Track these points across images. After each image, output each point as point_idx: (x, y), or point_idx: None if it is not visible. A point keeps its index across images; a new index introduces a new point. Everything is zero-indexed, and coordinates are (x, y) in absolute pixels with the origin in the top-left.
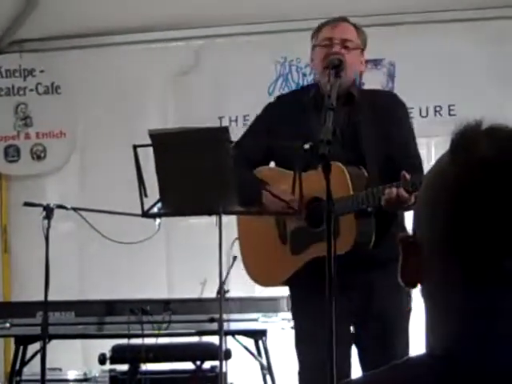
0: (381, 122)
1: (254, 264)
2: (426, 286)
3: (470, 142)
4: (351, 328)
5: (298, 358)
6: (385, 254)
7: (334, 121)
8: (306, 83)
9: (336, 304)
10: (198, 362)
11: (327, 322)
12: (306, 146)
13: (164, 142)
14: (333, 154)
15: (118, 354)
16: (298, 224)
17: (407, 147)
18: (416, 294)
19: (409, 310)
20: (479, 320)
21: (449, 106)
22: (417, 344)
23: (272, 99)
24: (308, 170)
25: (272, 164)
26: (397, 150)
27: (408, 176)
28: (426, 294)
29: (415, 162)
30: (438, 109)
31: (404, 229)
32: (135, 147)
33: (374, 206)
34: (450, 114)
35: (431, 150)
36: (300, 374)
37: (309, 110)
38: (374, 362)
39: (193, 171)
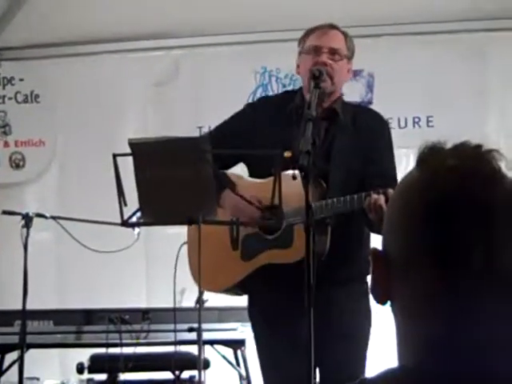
0: (359, 139)
1: (204, 270)
2: (398, 300)
3: (437, 154)
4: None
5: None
6: (346, 273)
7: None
8: None
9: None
10: (177, 372)
11: (307, 333)
12: (286, 154)
13: (144, 151)
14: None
15: (96, 364)
16: (251, 230)
17: (382, 165)
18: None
19: (367, 333)
20: (452, 330)
21: (427, 118)
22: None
23: None
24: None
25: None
26: (372, 167)
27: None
28: (397, 308)
29: (390, 173)
30: (416, 120)
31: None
32: (115, 156)
33: (349, 211)
34: (428, 126)
35: (409, 161)
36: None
37: (292, 116)
38: (333, 380)
39: (172, 180)
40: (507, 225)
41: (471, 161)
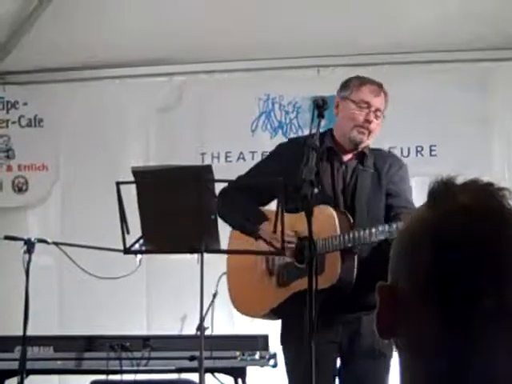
0: (381, 178)
1: (241, 295)
2: (402, 337)
3: (449, 192)
4: (337, 361)
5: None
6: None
7: (344, 172)
8: (288, 120)
9: (322, 336)
10: None
11: (307, 356)
12: (316, 191)
13: (147, 180)
14: (329, 195)
15: None
16: (285, 260)
17: (407, 201)
18: None
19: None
20: (456, 368)
21: (430, 147)
22: None
23: (252, 136)
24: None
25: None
26: (397, 201)
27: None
28: (402, 345)
29: (413, 207)
30: (419, 149)
31: None
32: (118, 184)
33: (364, 244)
34: (431, 155)
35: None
36: None
37: (322, 159)
38: None
39: (175, 209)
40: None
41: (483, 200)
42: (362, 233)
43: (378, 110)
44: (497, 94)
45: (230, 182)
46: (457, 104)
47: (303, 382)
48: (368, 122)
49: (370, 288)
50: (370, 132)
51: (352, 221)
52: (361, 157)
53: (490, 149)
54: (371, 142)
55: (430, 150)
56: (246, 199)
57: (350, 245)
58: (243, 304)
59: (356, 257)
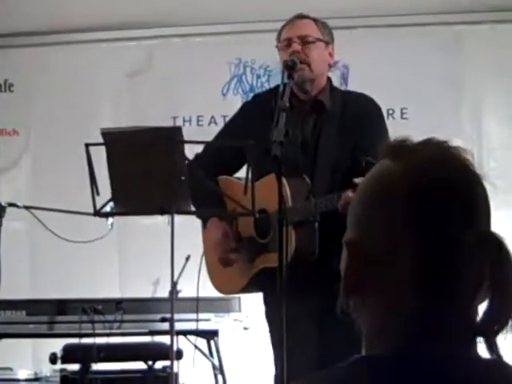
0: (348, 129)
1: (217, 275)
2: (370, 292)
3: (409, 147)
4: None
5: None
6: None
7: (302, 127)
8: (259, 84)
9: (299, 306)
10: (150, 362)
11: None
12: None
13: (116, 141)
14: (290, 158)
15: (69, 354)
16: (249, 234)
17: (374, 153)
18: None
19: None
20: (434, 316)
21: (401, 110)
22: None
23: (224, 100)
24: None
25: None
26: (360, 155)
27: (358, 180)
28: (370, 301)
29: None
30: (390, 112)
31: None
32: (87, 146)
33: (328, 211)
34: (402, 118)
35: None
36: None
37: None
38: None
39: (145, 170)
40: (485, 205)
41: (443, 152)
42: (312, 204)
43: (301, 37)
44: (469, 57)
45: (197, 152)
46: (429, 67)
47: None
48: (293, 52)
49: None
50: (307, 64)
51: (310, 184)
52: (318, 106)
53: (460, 112)
54: (319, 72)
55: (402, 113)
56: (204, 180)
57: (316, 213)
58: (217, 283)
59: (316, 225)
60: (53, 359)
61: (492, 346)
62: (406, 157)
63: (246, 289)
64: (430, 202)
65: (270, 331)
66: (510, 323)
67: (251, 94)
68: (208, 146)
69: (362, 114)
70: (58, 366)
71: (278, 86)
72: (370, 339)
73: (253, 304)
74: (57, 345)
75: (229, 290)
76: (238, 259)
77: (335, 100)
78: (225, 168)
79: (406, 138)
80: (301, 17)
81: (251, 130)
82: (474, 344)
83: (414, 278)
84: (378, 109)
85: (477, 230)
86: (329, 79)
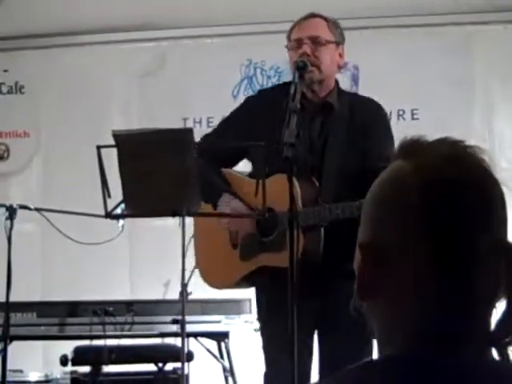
0: (356, 132)
1: (205, 264)
2: (386, 293)
3: (422, 147)
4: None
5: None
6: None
7: (309, 127)
8: (270, 85)
9: (298, 312)
10: (160, 364)
11: (289, 331)
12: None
13: (127, 143)
14: (300, 160)
15: (79, 356)
16: (249, 231)
17: (381, 159)
18: None
19: None
20: (449, 318)
21: (412, 111)
22: None
23: (234, 102)
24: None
25: (240, 164)
26: (372, 163)
27: None
28: (384, 303)
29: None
30: (401, 113)
31: None
32: (99, 148)
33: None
34: (413, 118)
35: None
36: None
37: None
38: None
39: (156, 172)
40: (502, 208)
41: (459, 151)
42: (328, 209)
43: (312, 38)
44: (479, 58)
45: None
46: (439, 68)
47: (278, 356)
48: (303, 54)
49: (348, 256)
50: (317, 66)
51: (317, 186)
52: (326, 108)
53: (471, 112)
54: (329, 74)
55: (412, 114)
56: (209, 167)
57: (312, 222)
58: (208, 276)
59: (322, 229)
60: (63, 361)
61: (503, 355)
62: (419, 155)
63: (238, 284)
64: (443, 201)
65: (263, 330)
66: None
67: None
68: (213, 141)
69: (371, 120)
70: (69, 368)
71: (284, 84)
72: (384, 340)
73: None
74: (67, 347)
75: (220, 284)
76: (233, 256)
77: (343, 102)
78: (224, 161)
79: (420, 137)
80: (312, 16)
81: (256, 126)
82: (489, 348)
83: (428, 279)
84: (385, 115)
85: (493, 235)
86: (336, 81)
